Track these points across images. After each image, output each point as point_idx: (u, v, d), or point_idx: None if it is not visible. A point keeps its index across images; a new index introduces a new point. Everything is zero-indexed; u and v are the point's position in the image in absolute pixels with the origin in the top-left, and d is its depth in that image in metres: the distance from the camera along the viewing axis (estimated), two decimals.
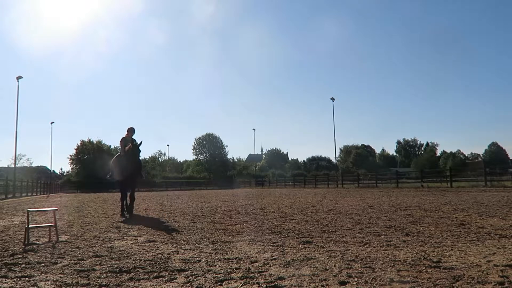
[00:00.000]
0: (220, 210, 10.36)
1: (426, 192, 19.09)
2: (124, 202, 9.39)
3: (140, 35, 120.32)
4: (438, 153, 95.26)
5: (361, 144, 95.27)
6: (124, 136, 9.73)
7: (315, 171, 72.09)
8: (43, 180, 43.31)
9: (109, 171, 10.19)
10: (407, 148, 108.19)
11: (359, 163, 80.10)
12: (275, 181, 52.36)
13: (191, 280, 3.07)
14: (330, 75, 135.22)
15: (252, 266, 3.51)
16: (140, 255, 4.10)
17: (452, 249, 4.07)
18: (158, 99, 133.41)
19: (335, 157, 51.09)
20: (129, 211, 9.25)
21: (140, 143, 9.40)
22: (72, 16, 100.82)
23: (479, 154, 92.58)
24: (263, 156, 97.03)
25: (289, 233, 5.58)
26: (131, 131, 9.87)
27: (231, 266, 3.53)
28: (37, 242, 5.14)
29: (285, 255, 3.97)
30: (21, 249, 4.61)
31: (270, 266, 3.47)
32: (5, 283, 3.07)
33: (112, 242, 5.06)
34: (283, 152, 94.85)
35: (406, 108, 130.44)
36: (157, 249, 4.46)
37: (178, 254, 4.16)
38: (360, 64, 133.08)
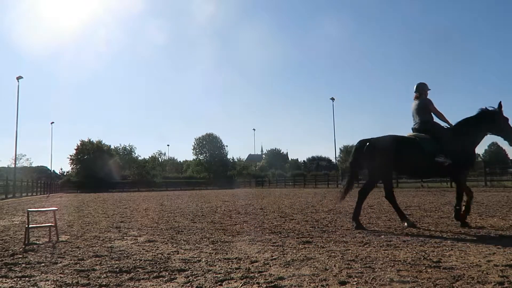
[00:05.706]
0: (220, 210, 10.36)
1: (426, 192, 19.08)
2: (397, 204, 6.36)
3: (140, 35, 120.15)
4: None
5: None
6: (422, 98, 6.41)
7: (315, 171, 72.04)
8: (43, 180, 43.28)
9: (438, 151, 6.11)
10: None
11: None
12: (275, 181, 52.30)
13: (191, 280, 3.07)
14: (330, 75, 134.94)
15: (252, 266, 3.51)
16: (140, 255, 4.10)
17: (452, 249, 4.07)
18: (158, 99, 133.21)
19: (335, 157, 51.16)
20: (457, 217, 6.04)
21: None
22: (72, 16, 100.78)
23: (479, 154, 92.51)
24: (263, 156, 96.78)
25: (289, 233, 5.58)
26: (425, 87, 6.47)
27: (231, 266, 3.53)
28: (37, 242, 5.14)
29: (285, 255, 3.98)
30: (21, 249, 4.61)
31: (270, 266, 3.47)
32: (5, 283, 3.07)
33: (112, 242, 5.06)
34: (283, 152, 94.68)
35: (406, 108, 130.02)
36: (157, 249, 4.46)
37: (178, 254, 4.17)
38: (360, 64, 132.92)
